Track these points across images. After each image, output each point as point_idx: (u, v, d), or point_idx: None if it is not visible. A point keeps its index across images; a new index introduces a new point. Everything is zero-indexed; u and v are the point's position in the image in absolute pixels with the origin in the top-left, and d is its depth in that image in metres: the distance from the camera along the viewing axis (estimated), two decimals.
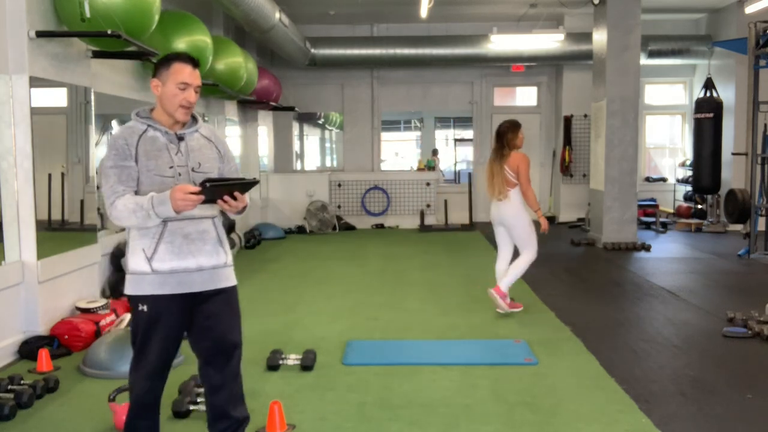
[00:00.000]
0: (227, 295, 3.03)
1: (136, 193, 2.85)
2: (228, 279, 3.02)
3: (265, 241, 10.74)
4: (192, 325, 2.98)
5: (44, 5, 5.03)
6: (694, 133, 11.34)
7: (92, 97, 5.73)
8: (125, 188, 2.82)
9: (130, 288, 2.91)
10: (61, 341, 4.92)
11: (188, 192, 2.68)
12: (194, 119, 3.04)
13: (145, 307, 2.88)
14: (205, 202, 2.77)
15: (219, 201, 2.79)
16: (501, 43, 11.63)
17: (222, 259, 2.98)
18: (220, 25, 9.71)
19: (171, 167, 2.87)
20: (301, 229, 11.98)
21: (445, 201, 12.54)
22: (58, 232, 5.55)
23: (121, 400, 3.60)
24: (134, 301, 2.91)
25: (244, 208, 2.90)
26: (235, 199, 2.79)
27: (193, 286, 2.90)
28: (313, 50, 11.84)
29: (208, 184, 2.67)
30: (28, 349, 4.77)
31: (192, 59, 2.94)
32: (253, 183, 2.84)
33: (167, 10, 6.55)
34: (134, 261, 2.89)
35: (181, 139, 2.94)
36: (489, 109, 13.54)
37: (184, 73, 2.88)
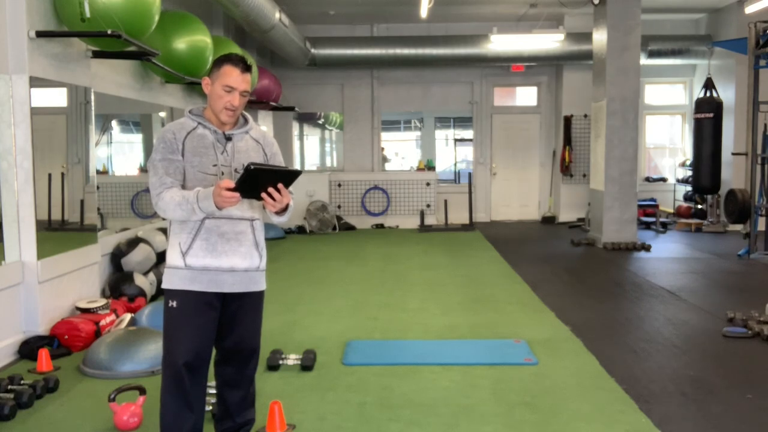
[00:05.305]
0: (255, 300, 3.04)
1: (182, 187, 2.87)
2: (258, 283, 3.03)
3: (265, 241, 10.69)
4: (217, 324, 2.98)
5: (44, 5, 5.03)
6: (694, 133, 11.34)
7: (92, 97, 5.74)
8: (173, 180, 2.85)
9: (164, 281, 2.93)
10: (61, 341, 4.92)
11: (227, 187, 2.67)
12: (245, 120, 3.05)
13: (174, 303, 2.88)
14: (247, 195, 2.75)
15: (263, 195, 2.74)
16: (501, 43, 11.62)
17: (255, 263, 2.99)
18: (220, 25, 9.71)
19: (215, 165, 2.90)
20: (301, 229, 11.98)
21: (445, 201, 12.54)
22: (58, 232, 5.55)
23: (121, 400, 3.61)
24: (166, 295, 2.93)
25: (287, 208, 2.88)
26: (278, 191, 2.75)
27: (223, 286, 2.91)
28: (313, 50, 11.83)
29: (252, 167, 2.63)
30: (28, 349, 4.77)
31: (244, 63, 2.92)
32: (296, 173, 2.79)
33: (167, 10, 6.56)
34: (170, 255, 2.92)
35: (228, 139, 2.95)
36: (489, 109, 13.54)
37: (231, 76, 2.88)
